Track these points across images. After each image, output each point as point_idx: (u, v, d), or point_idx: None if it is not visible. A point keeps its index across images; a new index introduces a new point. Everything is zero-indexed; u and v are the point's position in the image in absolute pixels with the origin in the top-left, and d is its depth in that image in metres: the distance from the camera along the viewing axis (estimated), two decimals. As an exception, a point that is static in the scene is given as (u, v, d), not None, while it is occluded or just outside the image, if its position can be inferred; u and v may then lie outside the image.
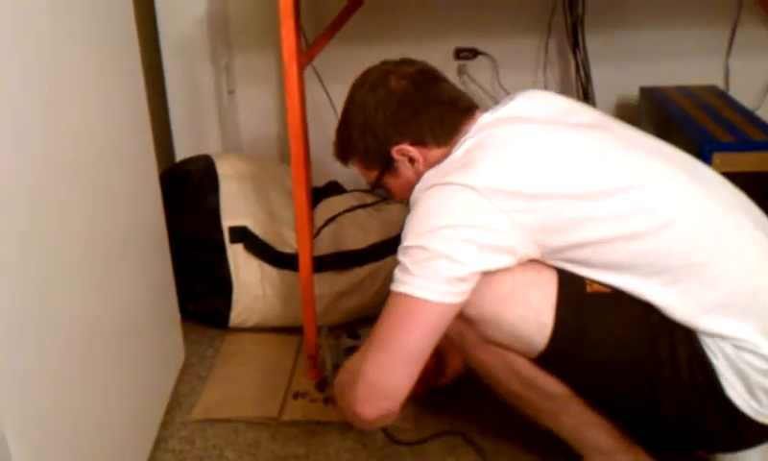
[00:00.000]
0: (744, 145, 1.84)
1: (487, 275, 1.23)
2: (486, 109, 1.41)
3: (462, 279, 1.21)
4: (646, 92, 2.29)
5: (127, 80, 1.52)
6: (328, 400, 1.73)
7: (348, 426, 1.65)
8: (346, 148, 1.49)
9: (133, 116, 1.55)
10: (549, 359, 1.26)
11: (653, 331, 1.22)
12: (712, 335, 1.20)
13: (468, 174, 1.24)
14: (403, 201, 1.44)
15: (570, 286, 1.25)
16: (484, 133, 1.32)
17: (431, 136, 1.38)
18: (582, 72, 2.38)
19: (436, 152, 1.37)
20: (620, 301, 1.24)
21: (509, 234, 1.21)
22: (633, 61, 2.45)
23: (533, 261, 1.26)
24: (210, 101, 2.33)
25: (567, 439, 1.39)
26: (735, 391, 1.20)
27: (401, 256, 1.24)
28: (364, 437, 1.63)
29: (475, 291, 1.23)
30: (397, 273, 1.24)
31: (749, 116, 2.04)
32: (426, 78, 1.42)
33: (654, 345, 1.22)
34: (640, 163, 1.27)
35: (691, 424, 1.25)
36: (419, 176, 1.35)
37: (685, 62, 2.46)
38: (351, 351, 1.51)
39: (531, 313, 1.24)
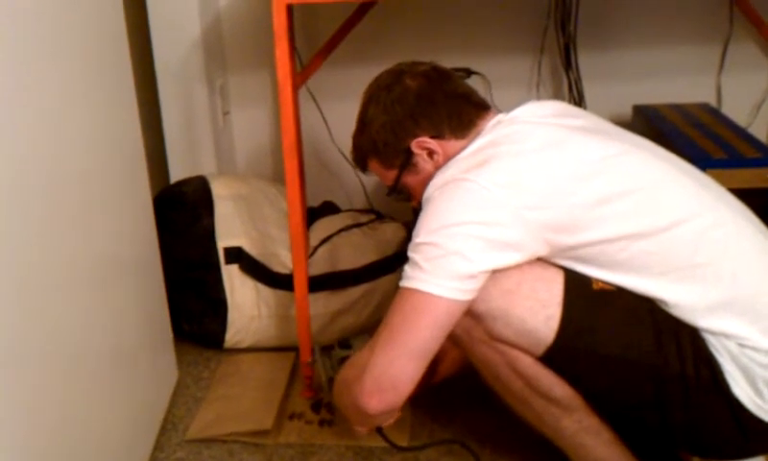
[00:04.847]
0: (737, 162, 1.85)
1: (495, 271, 1.25)
2: (499, 111, 1.45)
3: (472, 277, 1.23)
4: (639, 110, 2.30)
5: (119, 102, 1.52)
6: (324, 422, 1.73)
7: (345, 447, 1.65)
8: (365, 150, 1.50)
9: (126, 138, 1.55)
10: (555, 355, 1.27)
11: (658, 328, 1.25)
12: (716, 333, 1.23)
13: (482, 171, 1.26)
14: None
15: (577, 283, 1.27)
16: (497, 131, 1.36)
17: (448, 128, 1.40)
18: (575, 91, 2.39)
19: (454, 144, 1.40)
20: (626, 298, 1.27)
21: (520, 231, 1.23)
22: (625, 80, 2.47)
23: (540, 259, 1.28)
24: (205, 122, 2.34)
25: (566, 448, 1.39)
26: (740, 387, 1.22)
27: (412, 253, 1.26)
28: (360, 457, 1.62)
29: (483, 286, 1.25)
30: (408, 269, 1.26)
31: (741, 133, 2.05)
32: (439, 74, 1.46)
33: (659, 341, 1.24)
34: (646, 165, 1.31)
35: (697, 423, 1.26)
36: (438, 170, 1.38)
37: (678, 80, 2.47)
38: (345, 361, 1.51)
39: (538, 306, 1.26)
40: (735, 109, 2.42)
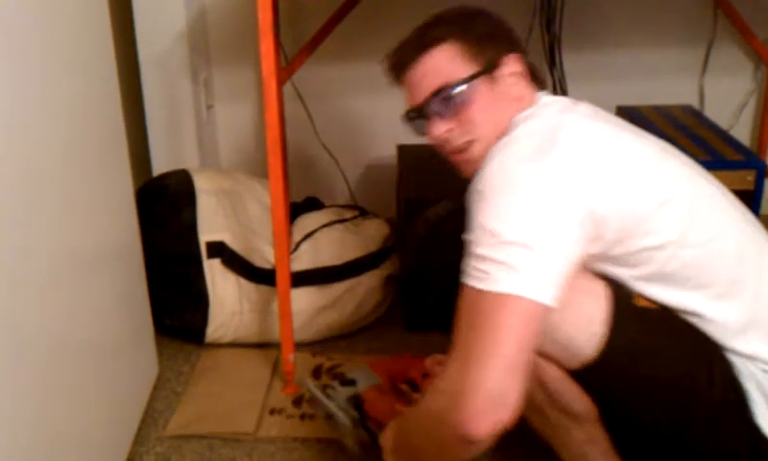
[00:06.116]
0: (719, 164, 1.86)
1: None
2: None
3: (565, 277, 1.12)
4: (623, 112, 2.31)
5: (102, 93, 1.51)
6: (305, 417, 1.73)
7: (327, 442, 1.65)
8: (447, 32, 1.27)
9: (109, 131, 1.54)
10: (591, 372, 1.20)
11: (693, 351, 1.21)
12: (743, 355, 1.20)
13: (552, 161, 1.14)
14: (468, 142, 1.27)
15: (622, 300, 1.20)
16: (554, 115, 1.23)
17: (532, 73, 1.31)
18: (559, 90, 2.40)
19: (530, 96, 1.28)
20: (666, 317, 1.22)
21: (593, 225, 1.14)
22: (609, 81, 2.48)
23: (583, 271, 1.19)
24: (189, 116, 2.33)
25: (566, 456, 1.35)
26: (763, 416, 1.18)
27: (497, 253, 1.09)
28: (342, 453, 1.62)
29: None
30: (493, 270, 1.09)
31: (723, 136, 2.07)
32: None
33: (693, 364, 1.20)
34: (686, 172, 1.26)
35: (713, 447, 1.22)
36: (508, 112, 1.25)
37: (661, 82, 2.49)
38: (355, 398, 1.43)
39: (584, 322, 1.18)
40: (718, 112, 2.44)
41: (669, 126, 2.12)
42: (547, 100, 1.29)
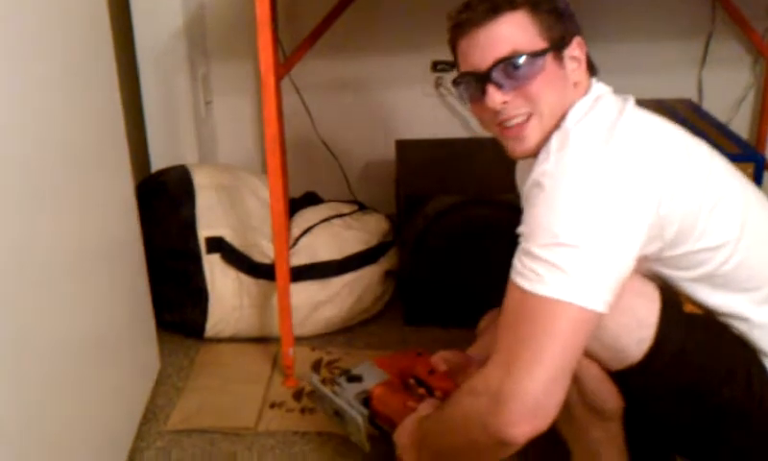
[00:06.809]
0: (717, 157, 1.86)
1: None
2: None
3: (620, 282, 1.08)
4: (621, 105, 2.31)
5: (102, 90, 1.51)
6: (305, 410, 1.73)
7: (327, 436, 1.65)
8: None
9: (108, 127, 1.54)
10: (632, 374, 1.17)
11: (733, 357, 1.20)
12: None
13: (619, 154, 1.09)
14: (523, 118, 1.18)
15: (671, 305, 1.17)
16: (614, 107, 1.19)
17: (588, 60, 1.26)
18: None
19: (586, 83, 1.24)
20: (710, 323, 1.21)
21: (655, 225, 1.10)
22: (607, 75, 2.46)
23: (634, 272, 1.13)
24: (187, 111, 2.33)
25: (578, 451, 1.34)
26: None
27: (550, 253, 1.05)
28: (342, 446, 1.62)
29: None
30: (544, 272, 1.05)
31: (722, 129, 2.07)
32: None
33: (733, 370, 1.19)
34: (735, 173, 1.24)
35: (749, 452, 1.22)
36: (567, 97, 1.19)
37: (660, 76, 2.49)
38: (364, 395, 1.41)
39: (635, 325, 1.14)
40: (716, 105, 2.44)
41: (668, 120, 2.12)
42: (600, 90, 1.24)
